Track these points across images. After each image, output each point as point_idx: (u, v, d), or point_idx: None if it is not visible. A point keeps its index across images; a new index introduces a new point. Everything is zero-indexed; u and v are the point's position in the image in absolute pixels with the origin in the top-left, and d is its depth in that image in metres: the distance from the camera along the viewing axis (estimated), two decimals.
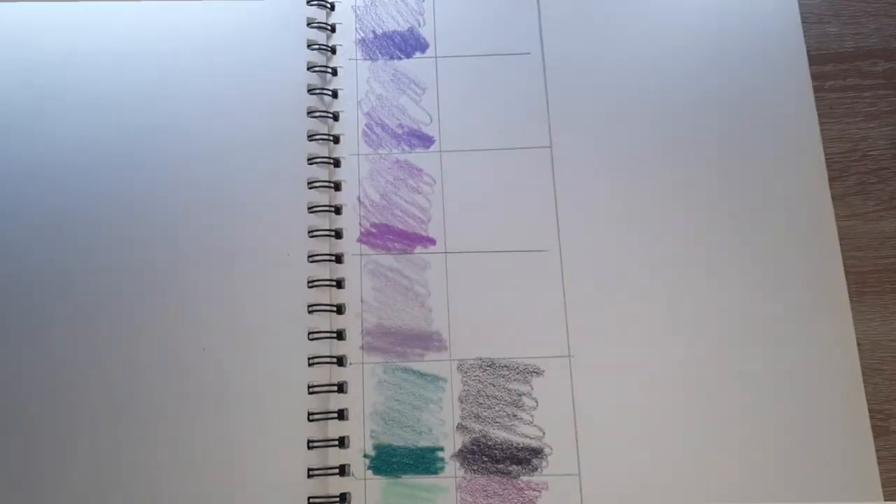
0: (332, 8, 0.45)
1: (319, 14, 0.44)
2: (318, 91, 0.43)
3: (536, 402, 0.37)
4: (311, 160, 0.41)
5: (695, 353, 0.38)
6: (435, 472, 0.36)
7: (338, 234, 0.40)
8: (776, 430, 0.36)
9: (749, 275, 0.39)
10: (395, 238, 0.40)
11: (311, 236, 0.40)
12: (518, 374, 0.38)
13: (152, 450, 0.36)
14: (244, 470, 0.36)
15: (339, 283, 0.39)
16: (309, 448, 0.36)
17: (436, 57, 0.44)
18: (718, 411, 0.37)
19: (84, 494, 0.35)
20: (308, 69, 0.43)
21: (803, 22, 0.43)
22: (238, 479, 0.36)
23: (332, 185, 0.41)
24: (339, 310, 0.39)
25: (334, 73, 0.43)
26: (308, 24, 0.44)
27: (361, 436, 0.37)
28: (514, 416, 0.37)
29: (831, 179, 0.40)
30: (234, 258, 0.39)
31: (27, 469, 0.36)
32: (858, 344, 0.37)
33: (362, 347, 0.38)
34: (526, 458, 0.37)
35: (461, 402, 0.38)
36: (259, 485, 0.35)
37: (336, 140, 0.42)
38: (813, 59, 0.43)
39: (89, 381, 0.37)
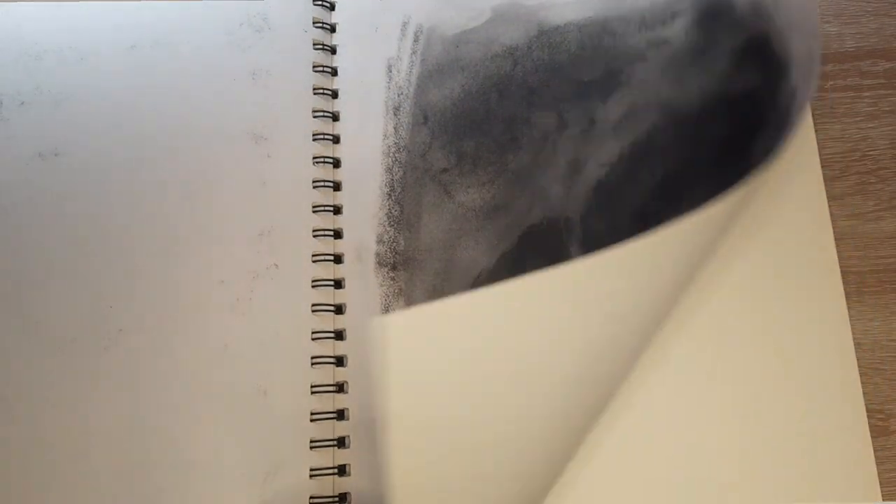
0: (332, 8, 0.45)
1: (324, 15, 0.45)
2: (321, 91, 0.43)
3: None
4: (315, 160, 0.41)
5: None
6: None
7: (338, 234, 0.40)
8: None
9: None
10: None
11: (315, 236, 0.40)
12: None
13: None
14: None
15: (339, 284, 0.39)
16: (311, 448, 0.36)
17: None
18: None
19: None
20: (313, 69, 0.43)
21: None
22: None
23: (332, 184, 0.41)
24: (339, 310, 0.39)
25: (334, 73, 0.44)
26: (313, 24, 0.44)
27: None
28: None
29: (831, 179, 0.40)
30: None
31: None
32: (858, 344, 0.37)
33: None
34: None
35: None
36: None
37: (336, 140, 0.42)
38: None
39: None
